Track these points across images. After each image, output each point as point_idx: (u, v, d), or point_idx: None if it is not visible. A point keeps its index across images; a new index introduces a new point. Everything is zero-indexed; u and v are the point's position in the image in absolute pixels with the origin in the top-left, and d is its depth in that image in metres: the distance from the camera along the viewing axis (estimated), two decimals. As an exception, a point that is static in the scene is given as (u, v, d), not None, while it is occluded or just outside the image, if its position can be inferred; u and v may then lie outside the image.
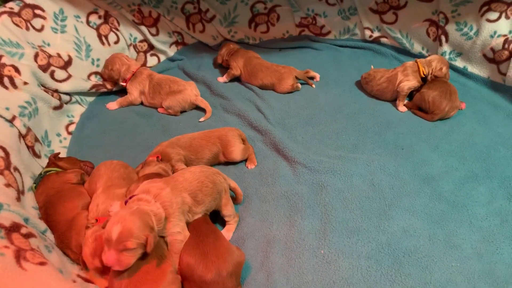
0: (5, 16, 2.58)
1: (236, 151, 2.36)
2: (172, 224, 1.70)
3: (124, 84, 2.96)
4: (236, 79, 3.22)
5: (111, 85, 3.03)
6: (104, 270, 1.71)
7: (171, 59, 3.55)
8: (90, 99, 3.01)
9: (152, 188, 1.70)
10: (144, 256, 1.60)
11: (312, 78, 3.16)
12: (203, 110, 2.87)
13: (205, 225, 1.83)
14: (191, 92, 2.86)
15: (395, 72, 2.81)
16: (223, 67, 3.32)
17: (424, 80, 2.77)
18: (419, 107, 2.74)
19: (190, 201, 1.78)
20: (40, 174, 2.13)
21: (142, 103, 3.00)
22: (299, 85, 3.05)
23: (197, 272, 1.61)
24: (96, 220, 1.81)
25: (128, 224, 1.52)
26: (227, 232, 1.98)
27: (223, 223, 2.04)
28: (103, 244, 1.60)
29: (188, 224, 1.79)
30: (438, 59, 2.77)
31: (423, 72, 2.74)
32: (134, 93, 2.94)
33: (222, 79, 3.22)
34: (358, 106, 2.85)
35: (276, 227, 2.02)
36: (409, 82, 2.74)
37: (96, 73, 3.02)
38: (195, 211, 1.82)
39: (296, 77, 3.04)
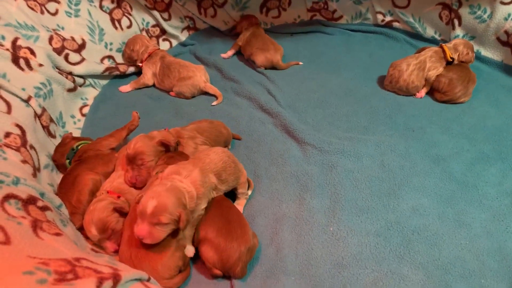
0: (20, 0, 2.62)
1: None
2: (200, 202, 1.75)
3: (140, 65, 3.03)
4: (245, 61, 3.28)
5: (124, 68, 3.07)
6: (100, 239, 1.78)
7: (183, 44, 3.57)
8: (104, 82, 3.05)
9: (182, 170, 1.74)
10: (175, 233, 1.67)
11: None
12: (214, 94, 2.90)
13: (226, 201, 1.90)
14: (200, 78, 2.88)
15: (422, 58, 2.70)
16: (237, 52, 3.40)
17: (449, 63, 2.72)
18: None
19: (215, 181, 1.85)
20: (72, 148, 2.17)
21: (155, 86, 3.04)
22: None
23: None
24: (108, 192, 1.87)
25: (163, 199, 1.58)
26: (238, 206, 2.03)
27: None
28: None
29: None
30: (464, 44, 2.73)
31: (450, 56, 2.69)
32: (147, 73, 2.99)
33: (225, 55, 3.34)
34: (369, 89, 2.85)
35: (286, 205, 2.05)
36: (436, 71, 2.68)
37: (109, 56, 3.05)
38: (220, 188, 1.89)
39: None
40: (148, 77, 2.99)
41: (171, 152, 2.04)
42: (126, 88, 2.99)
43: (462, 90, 2.61)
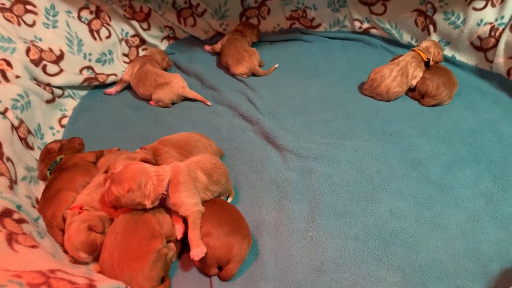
0: (-4, 12, 2.61)
1: None
2: (186, 195, 1.77)
3: None
4: (225, 69, 3.31)
5: (103, 78, 3.06)
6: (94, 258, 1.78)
7: (163, 54, 3.58)
8: (83, 93, 3.03)
9: (166, 166, 1.84)
10: (156, 242, 1.70)
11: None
12: (193, 101, 2.91)
13: (228, 203, 1.99)
14: (178, 84, 2.90)
15: (403, 64, 2.75)
16: (217, 57, 3.45)
17: (427, 64, 2.80)
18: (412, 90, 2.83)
19: (205, 180, 1.87)
20: (55, 161, 2.17)
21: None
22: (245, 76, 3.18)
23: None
24: (70, 209, 1.85)
25: (124, 168, 1.71)
26: None
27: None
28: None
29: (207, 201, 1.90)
30: (434, 44, 2.82)
31: (426, 57, 2.77)
32: (127, 70, 3.08)
33: (208, 47, 3.57)
34: (347, 95, 2.89)
35: (266, 212, 2.06)
36: (418, 77, 2.77)
37: (88, 67, 3.04)
38: (213, 189, 1.92)
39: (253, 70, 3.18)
40: (124, 74, 3.08)
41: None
42: (114, 88, 3.11)
43: (448, 94, 2.68)
